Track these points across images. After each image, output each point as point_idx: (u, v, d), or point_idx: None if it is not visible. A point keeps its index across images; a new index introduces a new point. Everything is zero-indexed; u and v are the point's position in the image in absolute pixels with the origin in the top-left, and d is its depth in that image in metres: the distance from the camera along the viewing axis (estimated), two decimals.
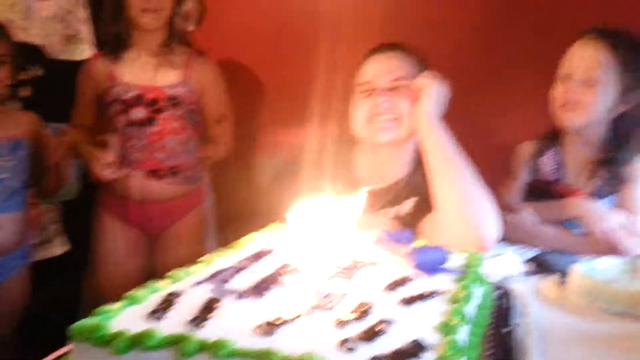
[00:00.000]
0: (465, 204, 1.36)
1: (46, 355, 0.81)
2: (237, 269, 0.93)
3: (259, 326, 0.69)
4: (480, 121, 2.43)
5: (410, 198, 1.58)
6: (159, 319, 0.72)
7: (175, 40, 2.10)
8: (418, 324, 0.74)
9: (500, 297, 1.07)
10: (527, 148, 1.85)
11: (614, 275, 1.18)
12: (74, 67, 2.18)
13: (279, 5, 2.70)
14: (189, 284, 0.85)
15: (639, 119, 1.68)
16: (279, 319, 0.72)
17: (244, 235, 1.17)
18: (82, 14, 2.52)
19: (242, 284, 0.85)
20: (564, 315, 1.09)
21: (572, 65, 1.63)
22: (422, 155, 1.52)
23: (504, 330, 0.92)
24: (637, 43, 1.62)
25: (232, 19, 2.72)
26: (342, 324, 0.72)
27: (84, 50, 2.51)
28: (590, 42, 1.61)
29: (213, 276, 0.88)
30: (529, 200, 1.77)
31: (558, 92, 1.67)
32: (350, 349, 0.65)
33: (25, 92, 2.22)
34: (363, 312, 0.76)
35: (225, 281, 0.87)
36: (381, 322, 0.73)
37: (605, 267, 1.23)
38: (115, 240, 2.11)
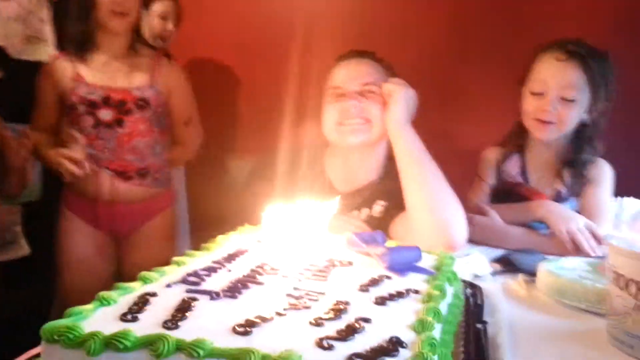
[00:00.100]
0: (434, 205, 1.39)
1: (13, 357, 0.78)
2: (212, 270, 0.92)
3: (236, 325, 0.69)
4: (446, 126, 2.49)
5: (381, 201, 1.59)
6: (132, 320, 0.70)
7: (141, 42, 2.09)
8: (393, 323, 0.75)
9: (470, 296, 1.08)
10: (492, 152, 1.90)
11: (580, 274, 1.21)
12: (35, 68, 2.13)
13: (256, 10, 2.72)
14: (162, 285, 0.84)
15: (599, 125, 1.74)
16: (256, 318, 0.71)
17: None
18: (44, 14, 2.46)
19: (217, 284, 0.84)
20: (533, 312, 1.11)
21: (548, 84, 1.67)
22: (392, 159, 1.54)
23: (476, 328, 0.93)
24: (602, 59, 1.68)
25: (208, 24, 2.72)
26: (319, 322, 0.72)
27: (46, 51, 2.45)
28: (562, 61, 1.65)
29: (187, 277, 0.87)
30: (495, 203, 1.81)
31: (531, 106, 1.71)
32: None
33: None
34: (339, 311, 0.76)
35: (200, 282, 0.86)
36: (358, 320, 0.74)
37: (571, 266, 1.27)
38: (81, 240, 2.07)
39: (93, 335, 0.63)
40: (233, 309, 0.76)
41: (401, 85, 1.56)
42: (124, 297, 0.78)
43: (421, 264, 1.02)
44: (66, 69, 2.02)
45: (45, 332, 0.64)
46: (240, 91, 2.80)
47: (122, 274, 2.11)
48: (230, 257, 1.00)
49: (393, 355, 0.65)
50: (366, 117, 1.56)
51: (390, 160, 1.62)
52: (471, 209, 1.72)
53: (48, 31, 2.46)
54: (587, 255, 1.50)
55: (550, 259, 1.36)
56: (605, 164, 1.78)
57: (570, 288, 1.13)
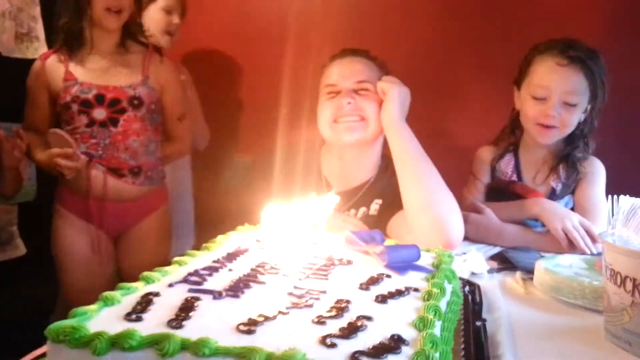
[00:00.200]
0: (430, 202, 1.40)
1: (12, 357, 0.78)
2: (213, 269, 0.92)
3: (240, 324, 0.69)
4: (440, 124, 2.50)
5: (377, 200, 1.60)
6: (137, 320, 0.70)
7: (131, 39, 2.07)
8: (395, 320, 0.76)
9: (469, 294, 1.09)
10: (486, 151, 1.91)
11: (576, 271, 1.22)
12: (27, 66, 2.10)
13: (249, 10, 2.72)
14: (164, 285, 0.84)
15: (592, 124, 1.76)
16: (259, 317, 0.72)
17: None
18: (36, 11, 2.44)
19: (218, 284, 0.85)
20: (530, 310, 1.12)
21: (550, 89, 1.67)
22: (388, 158, 1.54)
23: (475, 325, 0.94)
24: (600, 62, 1.69)
25: (209, 22, 2.72)
26: (321, 321, 0.73)
27: (37, 49, 2.43)
28: (564, 66, 1.65)
29: (189, 276, 0.87)
30: (490, 201, 1.82)
31: (533, 111, 1.71)
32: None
33: None
34: (341, 309, 0.77)
35: (202, 281, 0.86)
36: (359, 318, 0.74)
37: (567, 263, 1.28)
38: (76, 238, 2.04)
39: (99, 335, 0.64)
40: (236, 308, 0.76)
41: (395, 82, 1.56)
42: (127, 297, 0.78)
43: (420, 262, 1.03)
44: (57, 67, 1.99)
45: (51, 332, 0.65)
46: (240, 91, 2.81)
47: (121, 272, 2.10)
48: (231, 257, 1.00)
49: (396, 353, 0.66)
50: (361, 115, 1.56)
51: (386, 159, 1.63)
52: (466, 207, 1.73)
53: (39, 29, 2.44)
54: (583, 252, 1.52)
55: (546, 256, 1.38)
56: (598, 161, 1.79)
57: (567, 285, 1.14)
